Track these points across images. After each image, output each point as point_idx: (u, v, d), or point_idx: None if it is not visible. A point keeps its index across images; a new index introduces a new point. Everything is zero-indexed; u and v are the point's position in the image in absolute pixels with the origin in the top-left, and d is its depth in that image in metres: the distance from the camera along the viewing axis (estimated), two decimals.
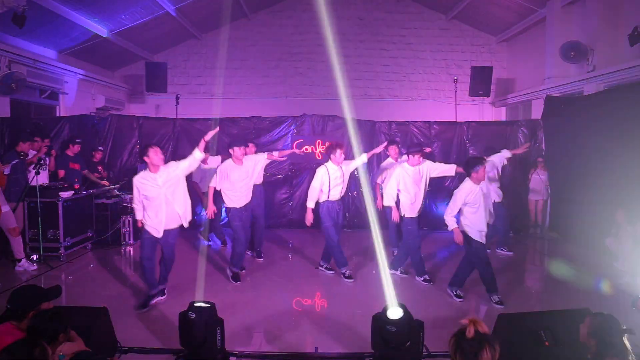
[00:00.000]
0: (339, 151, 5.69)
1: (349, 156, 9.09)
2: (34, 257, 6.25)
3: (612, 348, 2.39)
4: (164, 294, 5.06)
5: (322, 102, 11.42)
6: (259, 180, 6.74)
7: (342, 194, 5.88)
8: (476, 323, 1.99)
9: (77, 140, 7.44)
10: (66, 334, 2.63)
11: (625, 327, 2.47)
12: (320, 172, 5.72)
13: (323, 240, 6.12)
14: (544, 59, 9.36)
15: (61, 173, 7.21)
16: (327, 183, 5.68)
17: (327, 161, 5.82)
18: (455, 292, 5.20)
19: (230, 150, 5.64)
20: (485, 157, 5.44)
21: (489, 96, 10.60)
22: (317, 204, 5.79)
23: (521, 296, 5.26)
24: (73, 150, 7.36)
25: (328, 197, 5.73)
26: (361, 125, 9.21)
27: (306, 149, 8.92)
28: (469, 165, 4.90)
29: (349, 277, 5.78)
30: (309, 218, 5.78)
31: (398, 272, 5.95)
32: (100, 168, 8.01)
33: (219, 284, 5.64)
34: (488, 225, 5.06)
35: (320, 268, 6.22)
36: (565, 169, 8.03)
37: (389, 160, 6.82)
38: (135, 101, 11.78)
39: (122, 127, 8.90)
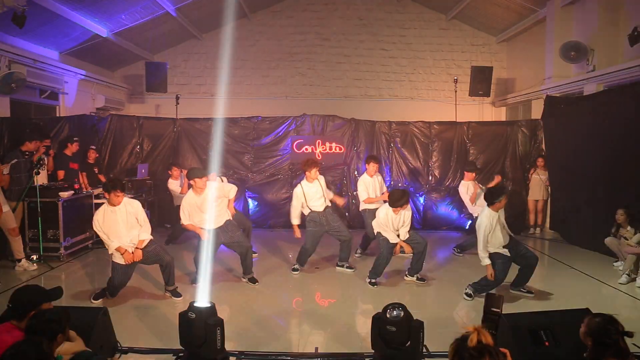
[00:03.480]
0: (314, 169, 5.93)
1: (351, 156, 9.14)
2: (34, 257, 6.25)
3: (607, 348, 2.38)
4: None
5: (322, 102, 11.41)
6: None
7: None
8: (480, 332, 1.92)
9: (75, 139, 7.42)
10: (64, 335, 2.63)
11: (623, 329, 2.46)
12: (297, 191, 5.99)
13: (322, 240, 6.18)
14: (544, 59, 9.35)
15: (60, 174, 7.19)
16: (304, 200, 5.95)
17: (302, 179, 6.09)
18: (526, 290, 5.30)
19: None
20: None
21: (489, 96, 10.59)
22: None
23: (521, 296, 5.26)
24: (72, 149, 7.35)
25: (311, 210, 6.01)
26: (361, 125, 9.22)
27: (306, 149, 8.92)
28: (493, 196, 4.97)
29: (295, 270, 6.12)
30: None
31: (415, 279, 5.80)
32: (96, 170, 7.94)
33: (219, 284, 5.64)
34: None
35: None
36: (565, 169, 8.03)
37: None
38: (135, 101, 11.76)
39: (122, 127, 8.91)
